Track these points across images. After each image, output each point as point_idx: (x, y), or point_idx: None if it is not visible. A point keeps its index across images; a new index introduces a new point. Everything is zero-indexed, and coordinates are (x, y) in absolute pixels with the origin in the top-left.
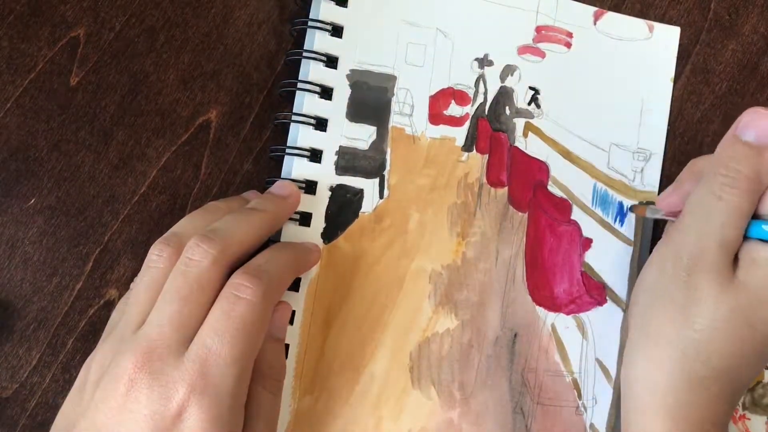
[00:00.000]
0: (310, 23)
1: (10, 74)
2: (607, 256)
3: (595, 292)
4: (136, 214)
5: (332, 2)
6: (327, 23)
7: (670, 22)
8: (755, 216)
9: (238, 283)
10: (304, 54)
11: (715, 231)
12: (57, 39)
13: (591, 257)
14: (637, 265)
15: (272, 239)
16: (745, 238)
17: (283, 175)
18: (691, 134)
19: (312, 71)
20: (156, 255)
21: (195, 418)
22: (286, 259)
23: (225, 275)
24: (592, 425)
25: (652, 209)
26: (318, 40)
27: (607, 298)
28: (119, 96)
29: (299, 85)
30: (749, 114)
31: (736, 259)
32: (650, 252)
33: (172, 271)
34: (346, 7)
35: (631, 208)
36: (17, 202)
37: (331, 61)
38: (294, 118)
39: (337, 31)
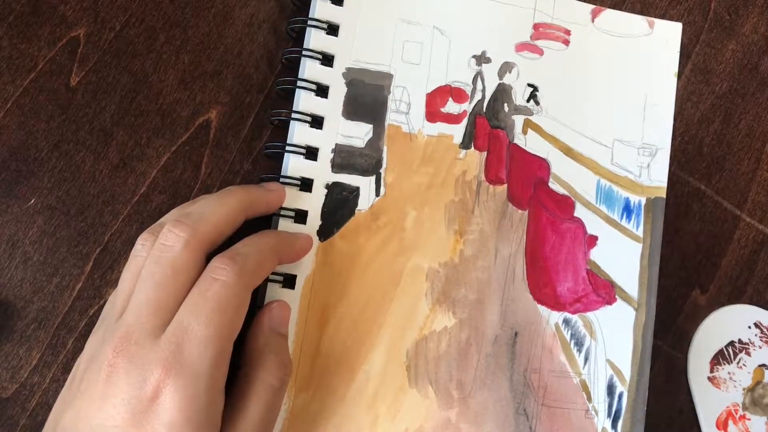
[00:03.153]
0: (306, 22)
1: (10, 74)
2: (615, 253)
3: (603, 290)
4: (136, 214)
5: (328, 1)
6: (323, 21)
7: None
8: None
9: (214, 266)
10: (301, 52)
11: None
12: (57, 39)
13: (597, 255)
14: (648, 262)
15: None
16: None
17: (282, 173)
18: (691, 134)
19: (308, 69)
20: (140, 245)
21: (170, 399)
22: (266, 244)
23: (201, 258)
24: (604, 429)
25: None
26: (314, 39)
27: (617, 296)
28: (119, 96)
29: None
30: None
31: None
32: (661, 248)
33: (147, 258)
34: (342, 5)
35: None
36: (17, 202)
37: (327, 60)
38: (290, 115)
39: (333, 29)
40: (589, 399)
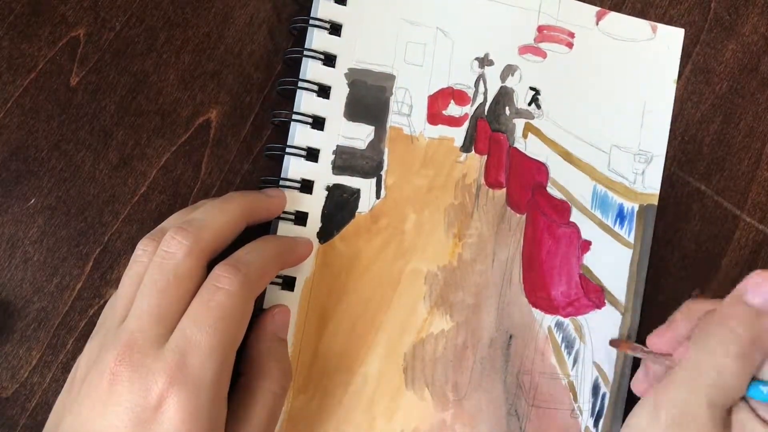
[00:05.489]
0: (308, 21)
1: (10, 74)
2: (606, 258)
3: (594, 294)
4: (136, 214)
5: (331, 0)
6: (326, 21)
7: (670, 21)
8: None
9: (217, 275)
10: (303, 52)
11: (705, 390)
12: (57, 39)
13: (590, 260)
14: (637, 268)
15: None
16: (745, 398)
17: (282, 174)
18: (691, 134)
19: (310, 69)
20: (141, 250)
21: (174, 409)
22: (268, 251)
23: (204, 266)
24: (587, 428)
25: (635, 347)
26: (316, 39)
27: (606, 301)
28: (119, 96)
29: (297, 83)
30: (759, 277)
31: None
32: (650, 255)
33: (150, 265)
34: (345, 5)
35: (611, 342)
36: (17, 202)
37: (330, 60)
38: (292, 117)
39: (335, 29)
40: (575, 399)
